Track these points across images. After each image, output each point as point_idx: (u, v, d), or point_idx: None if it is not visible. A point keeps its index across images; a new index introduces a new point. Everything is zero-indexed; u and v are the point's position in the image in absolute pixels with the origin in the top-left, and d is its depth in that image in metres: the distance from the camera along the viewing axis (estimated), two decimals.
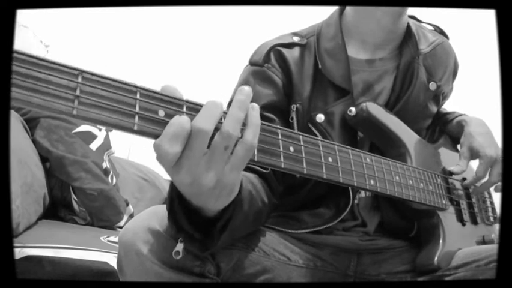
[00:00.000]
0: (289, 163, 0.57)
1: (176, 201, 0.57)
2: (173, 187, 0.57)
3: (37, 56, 0.42)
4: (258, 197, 0.74)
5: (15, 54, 0.41)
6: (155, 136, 0.47)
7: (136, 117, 0.46)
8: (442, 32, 0.98)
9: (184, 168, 0.48)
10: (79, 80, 0.43)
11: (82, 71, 0.43)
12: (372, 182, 0.71)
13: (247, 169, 0.78)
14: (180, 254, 0.63)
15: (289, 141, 0.58)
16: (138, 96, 0.46)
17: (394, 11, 0.86)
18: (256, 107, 0.52)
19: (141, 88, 0.47)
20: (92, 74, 0.44)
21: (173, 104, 0.48)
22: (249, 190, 0.71)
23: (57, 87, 0.42)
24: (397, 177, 0.76)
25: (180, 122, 0.46)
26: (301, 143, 0.60)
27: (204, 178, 0.49)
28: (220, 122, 0.49)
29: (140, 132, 0.46)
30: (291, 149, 0.58)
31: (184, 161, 0.48)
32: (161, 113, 0.47)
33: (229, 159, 0.50)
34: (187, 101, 0.49)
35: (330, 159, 0.64)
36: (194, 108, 0.49)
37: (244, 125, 0.51)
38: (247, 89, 0.51)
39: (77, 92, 0.43)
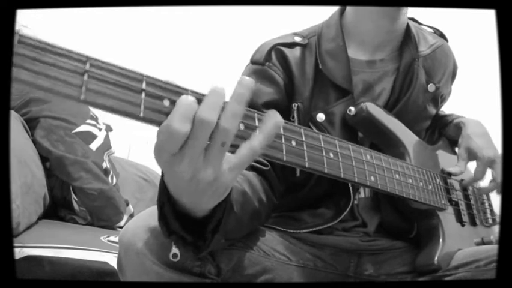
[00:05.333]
0: (291, 156, 0.57)
1: (166, 204, 0.56)
2: (162, 190, 0.56)
3: (45, 41, 0.42)
4: (254, 197, 0.74)
5: (23, 38, 0.41)
6: (160, 124, 0.47)
7: (142, 105, 0.46)
8: (442, 35, 0.98)
9: (186, 160, 0.47)
10: (87, 66, 0.44)
11: (89, 58, 0.44)
12: (372, 178, 0.71)
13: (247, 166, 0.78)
14: (178, 257, 0.62)
15: (291, 135, 0.58)
16: (144, 84, 0.47)
17: (390, 11, 0.86)
18: (278, 122, 0.50)
19: (147, 76, 0.47)
20: (100, 61, 0.45)
21: (178, 93, 0.48)
22: (243, 191, 0.71)
23: (65, 72, 0.43)
24: (397, 175, 0.76)
25: (188, 101, 0.46)
26: (303, 137, 0.60)
27: (202, 173, 0.48)
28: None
29: (146, 119, 0.47)
30: (293, 142, 0.58)
31: (187, 151, 0.47)
32: (166, 102, 0.48)
33: (229, 158, 0.49)
34: (192, 91, 0.49)
35: (331, 154, 0.64)
36: (198, 98, 0.49)
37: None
38: (246, 81, 0.48)
39: (85, 78, 0.43)
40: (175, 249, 0.63)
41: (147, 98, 0.46)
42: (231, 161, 0.49)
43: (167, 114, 0.47)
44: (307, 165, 0.59)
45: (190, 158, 0.47)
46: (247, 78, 0.48)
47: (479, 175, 0.87)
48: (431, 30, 0.98)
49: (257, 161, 0.79)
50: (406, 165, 0.80)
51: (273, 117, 0.50)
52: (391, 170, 0.75)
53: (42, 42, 0.42)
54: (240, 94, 0.47)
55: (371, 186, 0.72)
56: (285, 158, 0.56)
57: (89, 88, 0.43)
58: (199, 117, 0.46)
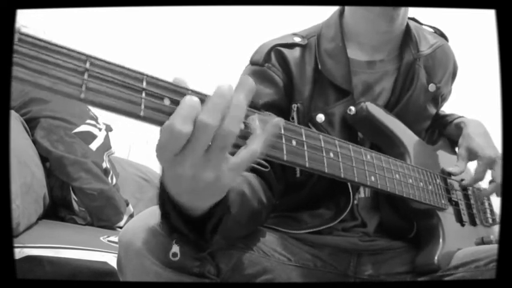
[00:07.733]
0: (292, 156, 0.57)
1: (167, 202, 0.56)
2: (162, 189, 0.55)
3: (45, 39, 0.42)
4: (254, 198, 0.74)
5: (23, 37, 0.41)
6: (160, 123, 0.47)
7: (142, 104, 0.46)
8: (442, 34, 0.98)
9: (187, 160, 0.47)
10: (87, 65, 0.44)
11: (90, 56, 0.44)
12: (372, 178, 0.71)
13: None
14: (178, 256, 0.62)
15: (291, 135, 0.58)
16: (144, 83, 0.47)
17: (388, 12, 0.85)
18: (277, 122, 0.51)
19: (147, 76, 0.47)
20: (100, 60, 0.45)
21: (178, 93, 0.48)
22: (241, 192, 0.71)
23: (65, 70, 0.42)
24: (397, 176, 0.76)
25: (192, 102, 0.46)
26: (303, 137, 0.59)
27: (202, 173, 0.48)
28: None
29: (146, 119, 0.46)
30: (293, 142, 0.58)
31: (188, 153, 0.47)
32: (167, 101, 0.47)
33: (229, 159, 0.49)
34: (192, 90, 0.49)
35: (331, 154, 0.64)
36: (201, 99, 0.49)
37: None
38: (248, 82, 0.48)
39: (85, 77, 0.43)
40: (175, 248, 0.63)
41: (147, 97, 0.46)
42: (231, 162, 0.49)
43: (167, 113, 0.47)
44: (307, 165, 0.59)
45: (191, 159, 0.47)
46: (249, 79, 0.48)
47: (480, 175, 0.87)
48: (431, 30, 0.98)
49: (257, 162, 0.79)
50: (406, 166, 0.80)
51: (273, 119, 0.50)
52: (391, 170, 0.75)
53: (43, 40, 0.42)
54: (241, 96, 0.48)
55: (371, 186, 0.72)
56: (285, 158, 0.56)
57: (89, 87, 0.43)
58: (201, 120, 0.46)
